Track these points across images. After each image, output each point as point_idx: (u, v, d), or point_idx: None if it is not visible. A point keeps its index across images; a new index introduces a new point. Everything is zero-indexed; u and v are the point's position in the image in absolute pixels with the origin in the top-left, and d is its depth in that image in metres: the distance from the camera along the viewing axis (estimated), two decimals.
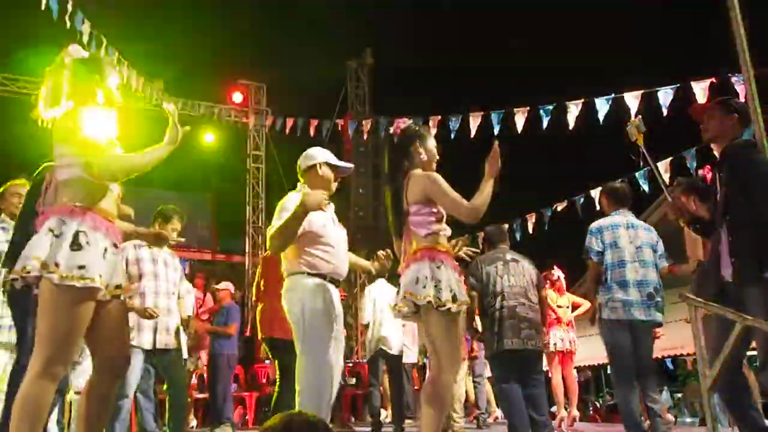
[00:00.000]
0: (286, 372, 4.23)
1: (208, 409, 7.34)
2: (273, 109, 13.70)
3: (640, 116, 3.54)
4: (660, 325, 4.27)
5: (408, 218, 3.03)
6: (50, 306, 2.22)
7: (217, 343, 6.99)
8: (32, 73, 12.32)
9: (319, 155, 3.44)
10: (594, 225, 4.40)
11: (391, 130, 3.22)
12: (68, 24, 8.58)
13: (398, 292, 3.01)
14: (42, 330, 2.22)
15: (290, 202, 3.23)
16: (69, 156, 2.36)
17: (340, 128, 11.13)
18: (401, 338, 6.33)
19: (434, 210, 3.00)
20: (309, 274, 3.18)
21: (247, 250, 13.93)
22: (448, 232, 3.09)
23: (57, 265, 2.20)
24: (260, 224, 14.07)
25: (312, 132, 10.66)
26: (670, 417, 5.86)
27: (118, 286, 2.40)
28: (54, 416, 4.67)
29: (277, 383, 4.37)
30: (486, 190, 2.90)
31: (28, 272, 2.22)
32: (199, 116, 13.16)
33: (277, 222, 3.16)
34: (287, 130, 11.03)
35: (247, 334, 12.65)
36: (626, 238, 4.28)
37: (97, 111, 2.43)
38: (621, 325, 4.16)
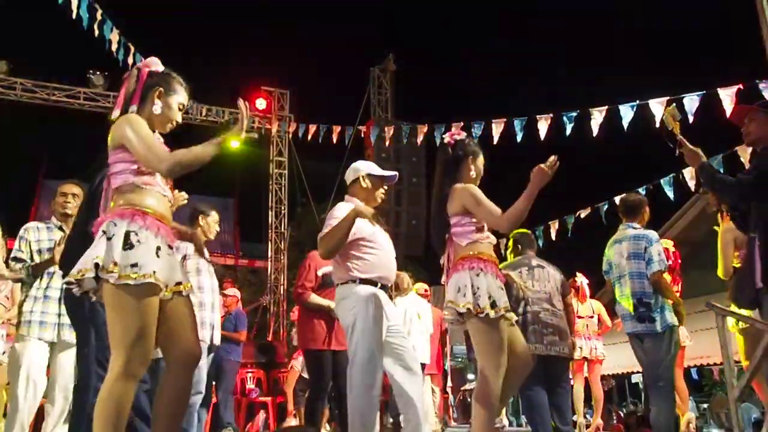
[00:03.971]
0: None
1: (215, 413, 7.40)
2: (296, 116, 13.80)
3: (674, 104, 3.54)
4: (653, 334, 4.14)
5: (450, 230, 3.09)
6: (116, 308, 2.26)
7: (223, 349, 7.04)
8: (60, 80, 12.58)
9: (363, 167, 3.53)
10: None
11: (446, 139, 3.25)
12: (97, 32, 8.76)
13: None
14: (114, 333, 2.26)
15: (339, 210, 3.32)
16: (122, 163, 2.40)
17: (362, 134, 11.19)
18: (428, 348, 6.42)
19: (474, 220, 3.06)
20: (361, 280, 3.24)
21: (269, 256, 13.99)
22: (493, 240, 3.13)
23: (115, 264, 2.23)
24: (283, 230, 14.15)
25: (335, 138, 10.73)
26: (691, 429, 5.77)
27: (178, 283, 2.42)
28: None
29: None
30: (523, 203, 2.88)
31: (83, 276, 2.25)
32: (224, 122, 13.31)
33: (324, 230, 3.23)
34: (310, 136, 11.12)
35: (269, 338, 12.75)
36: (615, 255, 4.39)
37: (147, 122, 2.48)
38: (631, 337, 4.29)
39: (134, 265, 2.25)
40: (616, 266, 4.37)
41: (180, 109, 2.61)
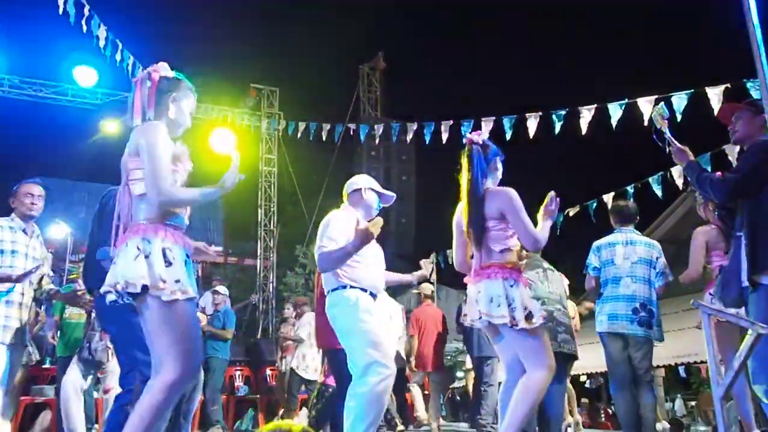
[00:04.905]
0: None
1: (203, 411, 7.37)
2: (285, 113, 13.75)
3: (662, 103, 3.59)
4: (647, 339, 4.33)
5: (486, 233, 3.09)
6: (165, 322, 2.34)
7: (211, 347, 7.00)
8: (48, 76, 12.48)
9: (364, 181, 3.60)
10: (595, 244, 4.64)
11: (475, 138, 3.27)
12: (85, 28, 8.68)
13: (466, 303, 3.12)
14: (164, 345, 2.34)
15: (336, 221, 3.35)
16: (142, 170, 2.42)
17: (351, 132, 11.16)
18: (395, 348, 6.42)
19: (510, 226, 3.08)
20: (351, 287, 3.27)
21: (258, 253, 13.96)
22: (518, 247, 3.18)
23: (164, 282, 2.32)
24: (272, 227, 14.11)
25: (324, 136, 10.70)
26: (663, 426, 5.86)
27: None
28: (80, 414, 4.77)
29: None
30: (546, 229, 3.13)
31: (129, 290, 2.31)
32: (212, 120, 13.25)
33: (326, 241, 3.26)
34: (299, 134, 11.08)
35: (258, 336, 12.71)
36: (622, 254, 4.45)
37: (166, 130, 2.51)
38: (610, 336, 4.40)
39: (177, 281, 2.35)
40: (614, 266, 4.44)
41: (190, 114, 2.68)
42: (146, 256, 2.33)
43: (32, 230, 4.15)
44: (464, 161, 3.24)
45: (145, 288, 2.30)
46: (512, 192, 3.09)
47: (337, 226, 3.30)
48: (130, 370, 3.18)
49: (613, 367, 4.41)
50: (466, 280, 3.20)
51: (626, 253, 4.43)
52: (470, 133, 3.36)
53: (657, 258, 4.43)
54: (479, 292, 3.02)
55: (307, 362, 7.52)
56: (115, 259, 2.40)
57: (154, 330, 2.35)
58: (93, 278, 3.34)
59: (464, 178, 3.22)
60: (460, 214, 3.25)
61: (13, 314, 3.97)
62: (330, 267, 3.26)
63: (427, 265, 3.87)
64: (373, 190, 3.58)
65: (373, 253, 3.45)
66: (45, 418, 6.72)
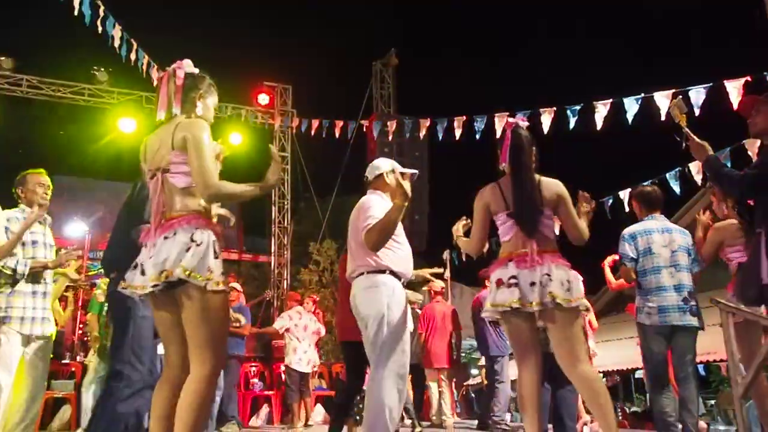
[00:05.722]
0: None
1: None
2: (299, 111, 13.75)
3: (680, 96, 3.52)
4: (697, 329, 4.17)
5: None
6: (209, 312, 2.37)
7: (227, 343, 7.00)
8: (64, 76, 12.58)
9: (385, 164, 3.55)
10: (626, 231, 4.34)
11: (521, 122, 3.24)
12: (100, 29, 8.74)
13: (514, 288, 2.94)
14: (206, 335, 2.36)
15: (373, 202, 3.30)
16: (188, 164, 2.44)
17: (365, 129, 11.14)
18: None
19: (560, 215, 3.09)
20: (390, 272, 3.23)
21: (272, 250, 13.99)
22: None
23: (210, 271, 2.36)
24: (286, 224, 14.13)
25: (337, 133, 10.69)
26: (702, 425, 5.75)
27: None
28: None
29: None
30: (584, 223, 3.12)
31: (178, 278, 2.32)
32: (226, 118, 13.29)
33: (370, 219, 3.17)
34: (313, 131, 11.09)
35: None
36: (660, 243, 4.23)
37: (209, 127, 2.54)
38: (656, 331, 4.14)
39: (223, 273, 2.41)
40: (654, 255, 4.20)
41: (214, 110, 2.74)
42: (198, 245, 2.35)
43: (44, 218, 4.15)
44: (510, 145, 3.15)
45: (191, 276, 2.31)
46: (561, 184, 3.09)
47: (376, 206, 3.25)
48: (118, 373, 3.17)
49: (654, 365, 4.15)
50: (511, 268, 2.97)
51: (664, 240, 4.23)
52: (512, 118, 3.31)
53: (692, 245, 4.28)
54: (547, 274, 2.88)
55: (299, 355, 7.50)
56: (157, 247, 2.38)
57: (194, 320, 2.36)
58: (114, 261, 3.33)
59: (511, 163, 3.12)
60: (497, 196, 3.11)
61: (39, 305, 3.96)
62: (382, 240, 3.12)
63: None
64: (395, 170, 3.51)
65: (405, 237, 3.42)
66: (65, 412, 6.80)
